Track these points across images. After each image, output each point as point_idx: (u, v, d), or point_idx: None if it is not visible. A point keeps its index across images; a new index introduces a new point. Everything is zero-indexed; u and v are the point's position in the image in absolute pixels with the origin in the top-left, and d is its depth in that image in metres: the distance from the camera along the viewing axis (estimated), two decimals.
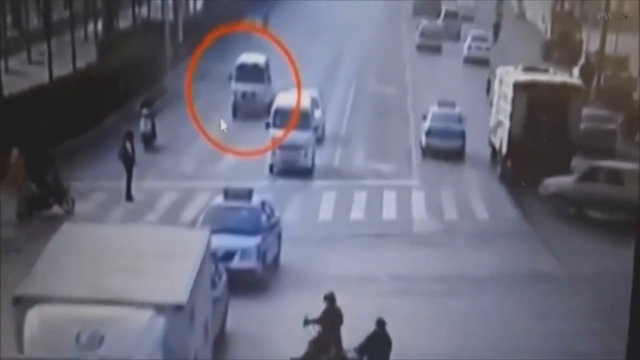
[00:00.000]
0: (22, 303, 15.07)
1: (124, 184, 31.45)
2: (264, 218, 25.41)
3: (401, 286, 25.56)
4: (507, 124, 36.04)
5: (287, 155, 35.37)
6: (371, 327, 18.51)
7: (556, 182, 33.10)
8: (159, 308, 15.02)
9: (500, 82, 38.85)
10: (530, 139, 35.07)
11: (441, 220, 31.84)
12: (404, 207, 32.83)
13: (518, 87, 35.89)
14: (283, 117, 36.14)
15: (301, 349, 19.21)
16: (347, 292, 21.39)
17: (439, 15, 77.22)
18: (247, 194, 25.83)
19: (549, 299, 25.23)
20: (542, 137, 34.93)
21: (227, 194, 25.90)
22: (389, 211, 32.46)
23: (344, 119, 46.28)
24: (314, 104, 38.87)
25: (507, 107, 36.26)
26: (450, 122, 40.14)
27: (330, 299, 19.22)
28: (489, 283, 26.19)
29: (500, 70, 40.40)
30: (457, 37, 72.63)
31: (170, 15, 56.77)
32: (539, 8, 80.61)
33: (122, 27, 61.10)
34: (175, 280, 15.81)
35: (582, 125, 37.74)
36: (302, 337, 19.27)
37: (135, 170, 31.79)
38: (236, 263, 23.96)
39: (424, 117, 40.91)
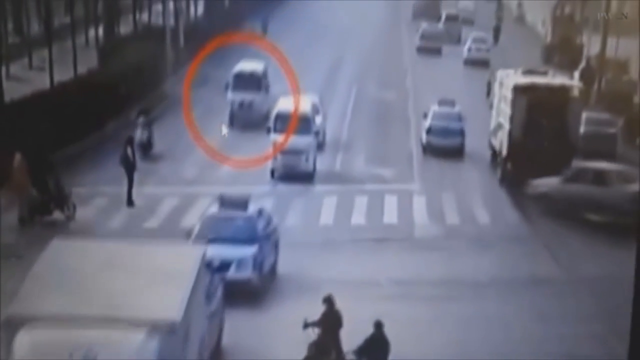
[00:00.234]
0: (11, 325, 14.61)
1: (124, 189, 31.46)
2: (260, 227, 24.77)
3: (402, 290, 25.53)
4: (507, 126, 36.08)
5: (288, 160, 35.34)
6: (371, 331, 18.51)
7: (544, 183, 33.24)
8: (153, 327, 14.57)
9: (501, 84, 38.91)
10: (530, 142, 35.10)
11: (442, 224, 31.84)
12: (405, 212, 32.81)
13: (518, 89, 35.94)
14: (284, 122, 36.18)
15: (300, 356, 19.14)
16: (347, 296, 21.38)
17: (438, 18, 77.68)
18: (243, 203, 25.13)
19: (550, 302, 25.21)
20: (542, 139, 34.94)
21: (223, 202, 25.25)
22: (390, 216, 32.45)
23: (344, 124, 46.27)
24: (315, 109, 38.88)
25: (507, 110, 36.30)
26: (450, 120, 41.01)
27: (329, 301, 19.17)
28: (490, 287, 26.17)
29: (500, 73, 40.47)
30: (458, 40, 72.84)
31: (171, 21, 56.80)
32: (539, 12, 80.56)
33: (123, 33, 61.05)
34: (169, 299, 15.32)
35: (583, 129, 37.81)
36: (301, 344, 19.20)
37: (135, 176, 31.80)
38: (232, 274, 23.40)
39: (425, 116, 41.79)
